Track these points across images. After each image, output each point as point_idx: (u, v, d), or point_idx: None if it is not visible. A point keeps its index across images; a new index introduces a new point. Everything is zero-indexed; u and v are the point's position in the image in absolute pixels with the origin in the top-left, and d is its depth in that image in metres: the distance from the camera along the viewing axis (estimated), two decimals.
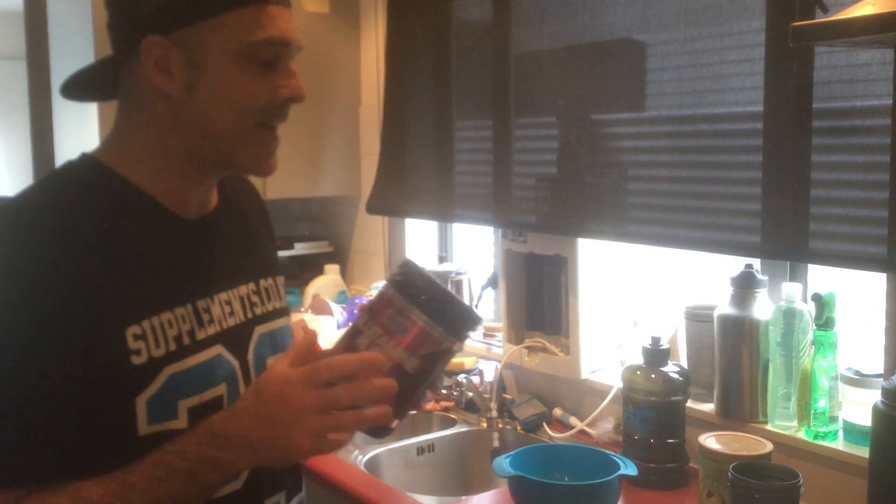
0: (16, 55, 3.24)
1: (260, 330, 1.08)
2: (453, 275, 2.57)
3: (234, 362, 1.02)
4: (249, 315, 1.07)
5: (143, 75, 0.97)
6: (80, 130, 2.76)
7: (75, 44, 2.63)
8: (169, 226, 1.01)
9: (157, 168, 1.00)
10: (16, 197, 0.98)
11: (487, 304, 2.59)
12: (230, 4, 0.94)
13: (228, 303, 1.04)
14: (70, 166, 1.01)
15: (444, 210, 2.47)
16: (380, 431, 0.95)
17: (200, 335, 0.98)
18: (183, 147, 0.99)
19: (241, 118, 0.97)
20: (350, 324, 1.00)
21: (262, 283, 1.11)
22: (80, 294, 0.89)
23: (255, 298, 1.09)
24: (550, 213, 2.11)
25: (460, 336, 0.96)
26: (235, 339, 1.04)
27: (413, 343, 0.93)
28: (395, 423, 0.95)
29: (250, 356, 1.05)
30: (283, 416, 0.88)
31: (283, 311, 1.14)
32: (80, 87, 1.06)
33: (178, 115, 0.97)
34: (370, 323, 0.95)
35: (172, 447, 0.90)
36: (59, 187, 0.99)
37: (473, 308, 1.01)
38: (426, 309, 0.94)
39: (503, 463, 1.63)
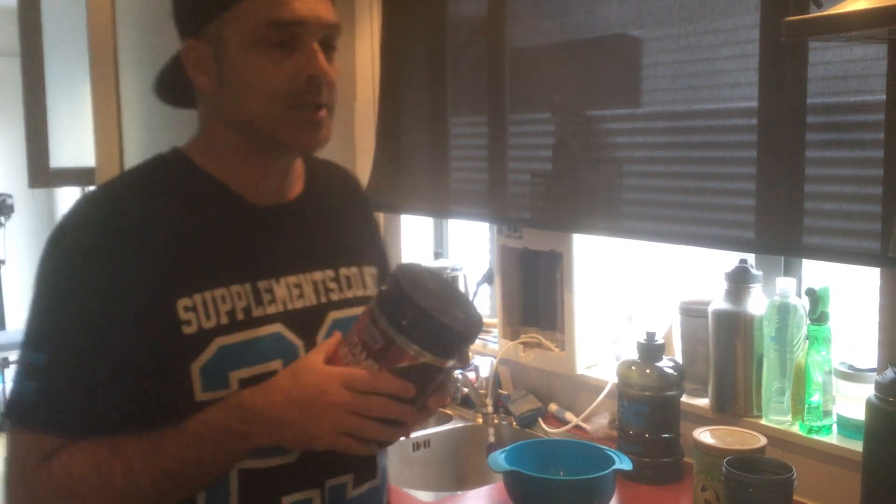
0: (10, 52, 3.23)
1: (335, 315, 1.10)
2: (449, 271, 2.57)
3: (298, 342, 1.05)
4: (323, 300, 1.09)
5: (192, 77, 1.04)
6: (74, 127, 2.75)
7: (69, 40, 2.63)
8: (237, 211, 1.06)
9: (226, 159, 1.06)
10: (110, 179, 1.09)
11: (483, 300, 2.59)
12: None
13: (298, 286, 1.08)
14: (159, 156, 1.09)
15: (440, 206, 2.47)
16: (381, 445, 1.01)
17: (258, 313, 1.03)
18: (235, 138, 1.05)
19: (270, 104, 1.00)
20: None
21: (343, 270, 1.13)
22: (139, 266, 0.98)
23: (331, 285, 1.11)
24: (546, 208, 2.11)
25: (438, 353, 0.94)
26: (302, 320, 1.07)
27: (380, 356, 0.94)
28: (403, 438, 1.01)
29: (319, 338, 1.08)
30: (316, 405, 0.94)
31: (366, 300, 1.11)
32: (165, 90, 1.14)
33: (222, 110, 1.03)
34: (352, 331, 0.98)
35: (203, 416, 0.96)
36: (143, 173, 1.08)
37: (458, 325, 0.95)
38: (395, 322, 0.93)
39: (499, 458, 1.63)
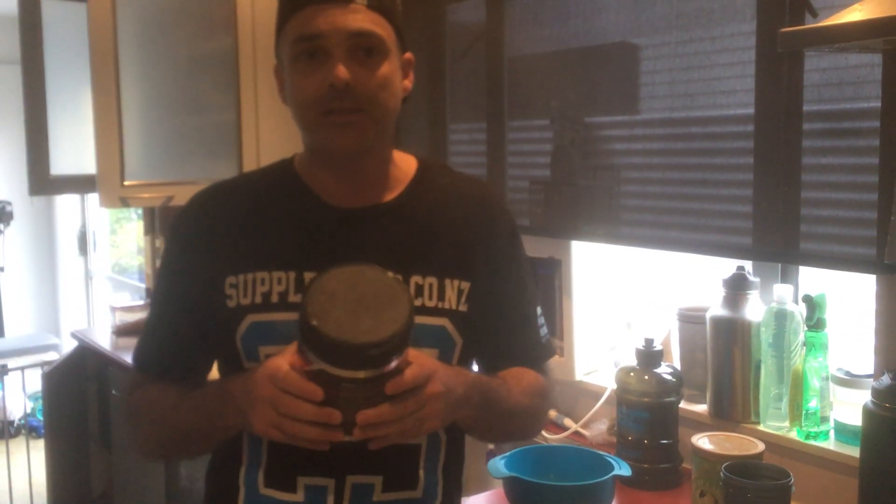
0: (11, 60, 3.24)
1: None
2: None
3: None
4: None
5: None
6: (74, 135, 2.76)
7: (70, 48, 2.64)
8: (309, 208, 1.15)
9: (311, 164, 1.17)
10: (232, 176, 1.28)
11: None
12: (285, 16, 1.09)
13: None
14: (278, 161, 1.22)
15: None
16: (347, 445, 0.99)
17: (294, 299, 1.10)
18: (306, 146, 1.17)
19: (304, 113, 1.09)
20: None
21: (416, 278, 1.13)
22: (209, 250, 1.14)
23: None
24: (544, 215, 2.12)
25: (338, 363, 0.94)
26: None
27: (304, 366, 0.96)
28: (345, 439, 0.97)
29: None
30: (250, 396, 1.00)
31: (434, 311, 1.13)
32: None
33: (295, 121, 1.13)
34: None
35: (207, 388, 1.12)
36: (253, 174, 1.27)
37: (350, 336, 0.94)
38: (300, 326, 0.97)
39: (498, 464, 1.64)
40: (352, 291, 0.98)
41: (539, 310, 1.29)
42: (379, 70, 1.08)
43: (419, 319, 1.08)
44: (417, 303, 1.11)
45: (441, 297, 1.13)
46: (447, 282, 1.14)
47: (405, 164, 1.21)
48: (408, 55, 1.17)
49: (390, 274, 1.02)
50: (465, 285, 1.15)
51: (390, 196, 1.16)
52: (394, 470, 1.12)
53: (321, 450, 1.01)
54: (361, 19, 1.06)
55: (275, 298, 1.11)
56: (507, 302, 1.21)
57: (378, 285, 1.00)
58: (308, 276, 1.11)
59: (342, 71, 1.04)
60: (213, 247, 1.14)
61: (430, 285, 1.13)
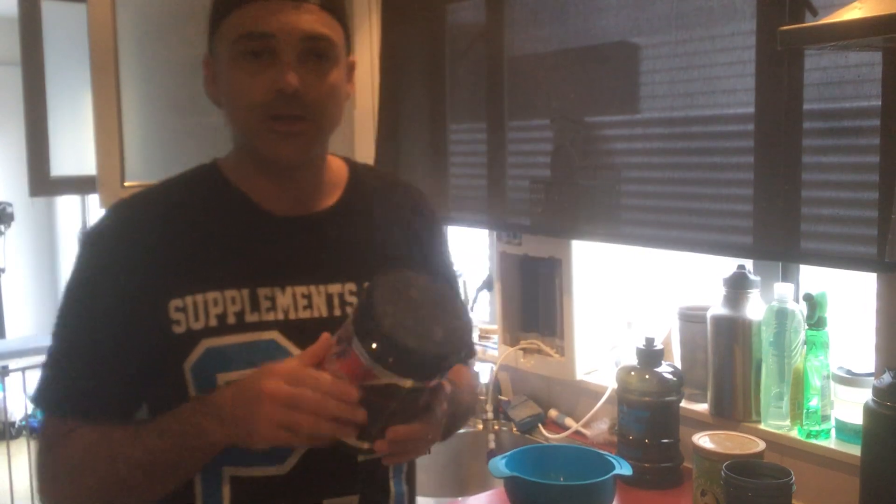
0: (11, 61, 3.24)
1: None
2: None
3: (297, 352, 1.03)
4: (337, 313, 1.07)
5: None
6: (75, 136, 2.76)
7: (70, 49, 2.64)
8: (251, 219, 1.08)
9: (246, 169, 1.09)
10: (151, 185, 1.12)
11: (483, 307, 2.60)
12: (228, 9, 1.02)
13: (307, 296, 1.06)
14: (198, 167, 1.14)
15: (439, 213, 2.48)
16: (350, 450, 0.95)
17: (252, 318, 1.03)
18: (240, 149, 1.10)
19: (249, 116, 1.02)
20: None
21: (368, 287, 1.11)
22: (140, 269, 1.03)
23: (350, 299, 1.09)
24: (545, 215, 2.12)
25: (407, 374, 0.89)
26: (305, 331, 1.04)
27: (350, 370, 0.91)
28: (365, 446, 0.94)
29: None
30: (251, 398, 0.93)
31: None
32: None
33: (227, 121, 1.07)
34: (336, 335, 0.95)
35: (176, 409, 0.99)
36: (176, 182, 1.13)
37: (425, 346, 0.89)
38: (364, 339, 0.89)
39: (499, 464, 1.64)
40: (410, 299, 0.93)
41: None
42: (328, 77, 1.02)
43: None
44: None
45: None
46: None
47: (336, 167, 1.17)
48: (352, 58, 1.10)
49: (435, 280, 0.99)
50: None
51: (329, 202, 1.12)
52: (369, 486, 1.09)
53: (286, 477, 0.99)
54: (315, 21, 1.00)
55: (231, 320, 1.02)
56: None
57: (431, 293, 0.96)
58: (262, 291, 1.04)
59: (293, 77, 0.98)
60: (147, 266, 1.03)
61: None
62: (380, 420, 0.93)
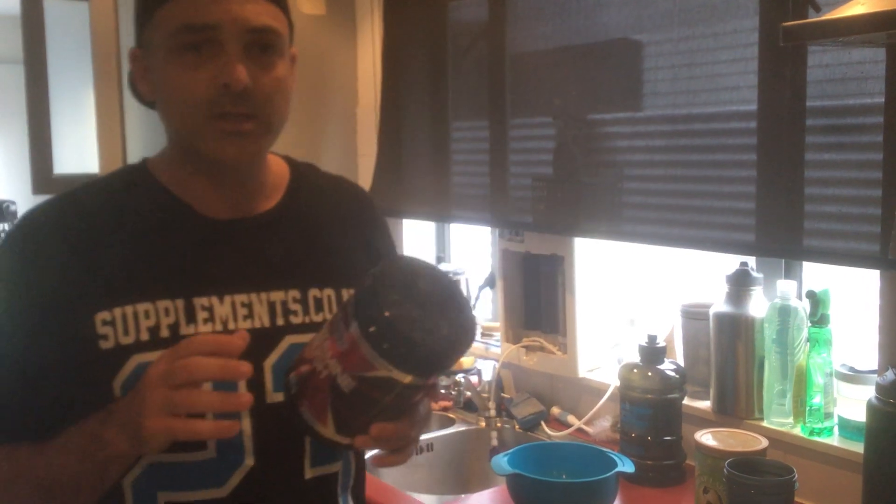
0: (13, 59, 3.25)
1: (293, 339, 1.01)
2: (451, 275, 2.58)
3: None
4: (280, 322, 1.01)
5: None
6: (78, 133, 2.77)
7: (73, 47, 2.64)
8: (184, 223, 1.00)
9: (179, 169, 1.02)
10: (73, 187, 1.04)
11: (485, 304, 2.60)
12: (160, 1, 0.94)
13: (247, 305, 1.00)
14: (125, 167, 1.08)
15: (442, 210, 2.48)
16: (326, 444, 0.90)
17: (188, 330, 0.96)
18: (175, 148, 1.02)
19: (189, 114, 0.94)
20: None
21: (314, 291, 1.04)
22: (63, 279, 0.95)
23: (294, 306, 1.02)
24: (547, 212, 2.12)
25: (409, 369, 0.84)
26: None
27: (344, 358, 0.85)
28: (344, 441, 0.89)
29: (268, 363, 0.99)
30: (137, 390, 0.87)
31: None
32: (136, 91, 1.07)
33: (162, 119, 1.00)
34: (330, 320, 0.89)
35: (81, 423, 0.92)
36: (104, 183, 1.05)
37: (442, 343, 0.84)
38: (366, 327, 0.83)
39: (501, 461, 1.64)
40: (417, 289, 0.88)
41: None
42: (275, 70, 0.95)
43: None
44: (318, 318, 1.03)
45: None
46: (344, 292, 1.06)
47: (276, 166, 1.09)
48: (294, 50, 1.02)
49: (441, 270, 0.93)
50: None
51: (269, 204, 1.05)
52: (317, 501, 1.04)
53: (227, 500, 0.93)
54: (261, 12, 0.93)
55: (165, 333, 0.95)
56: None
57: (439, 285, 0.91)
58: (198, 301, 0.96)
59: (242, 73, 0.91)
60: (69, 276, 0.95)
61: (329, 297, 1.05)
62: (367, 413, 0.88)
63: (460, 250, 2.82)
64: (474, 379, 2.30)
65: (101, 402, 0.93)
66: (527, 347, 2.25)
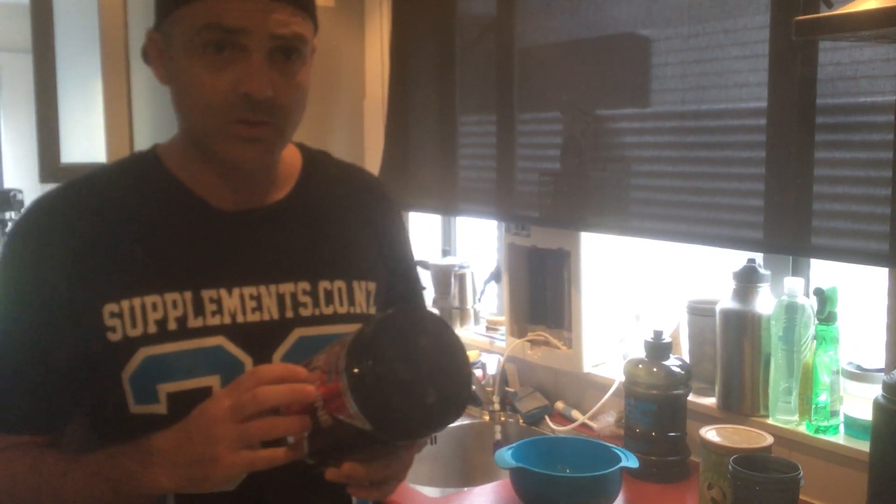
0: (22, 48, 3.25)
1: (303, 332, 1.00)
2: (457, 268, 2.58)
3: (246, 358, 0.97)
4: (289, 315, 1.00)
5: None
6: (86, 124, 2.77)
7: (81, 36, 2.64)
8: (194, 214, 0.99)
9: (189, 159, 1.01)
10: (78, 176, 1.03)
11: (491, 298, 2.60)
12: None
13: (256, 297, 0.99)
14: (134, 154, 1.06)
15: (448, 204, 2.48)
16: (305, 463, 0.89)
17: (195, 323, 0.95)
18: (186, 139, 1.00)
19: (206, 116, 0.93)
20: None
21: (325, 283, 1.03)
22: (72, 271, 0.94)
23: (304, 298, 1.01)
24: (553, 207, 2.12)
25: (382, 430, 0.81)
26: (254, 335, 0.98)
27: (327, 395, 0.82)
28: (318, 468, 0.88)
29: (277, 356, 0.99)
30: (200, 428, 0.85)
31: (347, 318, 1.03)
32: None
33: (175, 106, 0.98)
34: (325, 350, 0.88)
35: (111, 449, 0.91)
36: (112, 172, 1.04)
37: (422, 413, 0.82)
38: (350, 374, 0.81)
39: (505, 455, 1.64)
40: (416, 346, 0.85)
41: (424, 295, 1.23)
42: (297, 77, 0.94)
43: (332, 330, 1.01)
44: (328, 311, 1.02)
45: (351, 301, 1.05)
46: (355, 284, 1.05)
47: (289, 156, 1.07)
48: (314, 42, 0.99)
49: (451, 331, 0.89)
50: (372, 286, 1.08)
51: (280, 194, 1.04)
52: (325, 492, 0.99)
53: (235, 494, 0.92)
54: (288, 19, 0.91)
55: (172, 325, 0.94)
56: (405, 293, 1.16)
57: (441, 344, 0.87)
58: (207, 293, 0.96)
59: (267, 86, 0.90)
60: (79, 267, 0.94)
61: (340, 290, 1.04)
62: (340, 452, 0.86)
63: (466, 244, 2.82)
64: (479, 373, 2.30)
65: (110, 395, 0.94)
66: (532, 342, 2.25)
